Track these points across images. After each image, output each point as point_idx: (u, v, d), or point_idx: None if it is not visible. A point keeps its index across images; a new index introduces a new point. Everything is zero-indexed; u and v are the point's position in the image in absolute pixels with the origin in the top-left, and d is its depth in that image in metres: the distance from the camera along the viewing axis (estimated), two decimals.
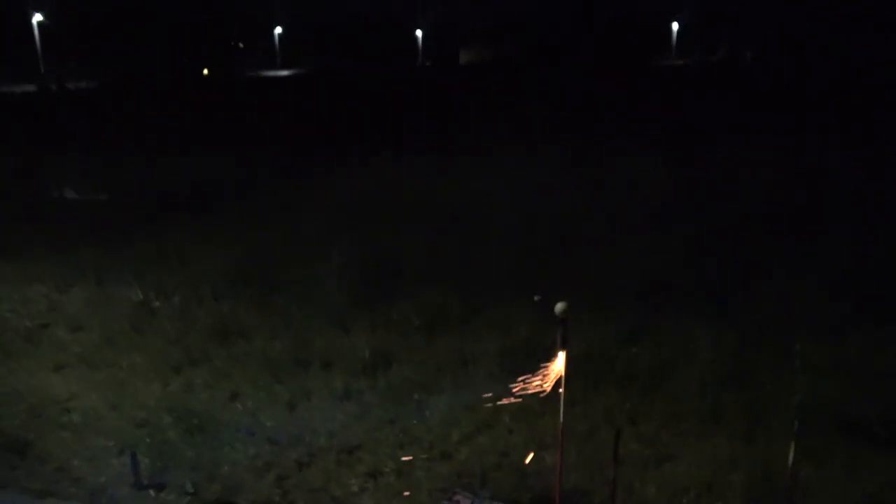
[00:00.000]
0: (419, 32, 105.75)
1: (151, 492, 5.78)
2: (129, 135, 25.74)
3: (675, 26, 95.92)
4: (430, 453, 6.09)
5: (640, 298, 8.99)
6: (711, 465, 5.78)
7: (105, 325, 9.22)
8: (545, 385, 5.00)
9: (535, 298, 8.20)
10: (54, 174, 18.10)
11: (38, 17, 58.22)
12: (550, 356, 5.10)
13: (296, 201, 15.06)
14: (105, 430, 6.67)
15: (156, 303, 9.90)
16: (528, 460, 5.65)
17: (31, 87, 45.33)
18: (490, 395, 6.47)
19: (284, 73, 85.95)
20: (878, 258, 9.86)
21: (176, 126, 29.38)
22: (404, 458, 5.97)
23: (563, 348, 4.92)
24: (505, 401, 5.99)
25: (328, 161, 18.99)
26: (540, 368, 5.09)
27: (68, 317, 9.56)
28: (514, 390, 5.43)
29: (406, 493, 5.57)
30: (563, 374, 4.88)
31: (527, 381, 5.21)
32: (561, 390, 4.85)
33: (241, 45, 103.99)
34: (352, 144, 21.58)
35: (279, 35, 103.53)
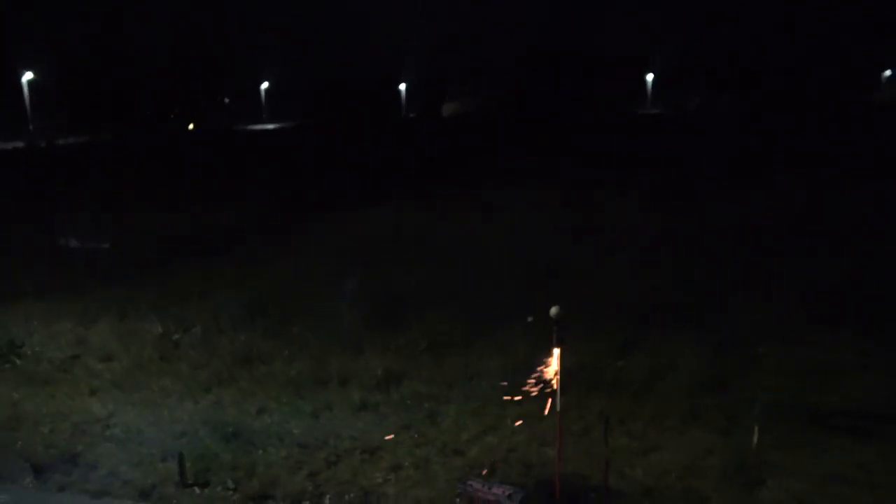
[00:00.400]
0: (402, 86, 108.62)
1: (196, 489, 6.44)
2: (123, 187, 26.83)
3: (649, 77, 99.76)
4: (443, 451, 6.82)
5: (627, 319, 9.85)
6: (691, 453, 6.56)
7: (132, 354, 9.92)
8: (546, 376, 5.82)
9: (529, 319, 9.05)
10: (53, 225, 18.87)
11: (27, 76, 59.71)
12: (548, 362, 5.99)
13: (299, 245, 15.91)
14: (146, 442, 7.33)
15: (176, 335, 10.60)
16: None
17: (19, 144, 46.32)
18: (499, 397, 7.27)
19: (270, 126, 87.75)
20: (831, 277, 10.93)
21: (169, 177, 30.57)
22: (420, 455, 6.70)
23: (558, 345, 5.78)
24: (510, 398, 6.78)
25: (325, 208, 19.94)
26: (539, 367, 5.94)
27: (96, 348, 10.23)
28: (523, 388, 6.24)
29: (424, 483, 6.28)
30: (559, 367, 5.73)
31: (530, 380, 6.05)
32: (556, 382, 5.68)
33: (226, 100, 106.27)
34: (347, 192, 22.65)
35: (265, 90, 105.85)
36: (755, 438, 6.24)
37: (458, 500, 6.00)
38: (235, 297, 12.04)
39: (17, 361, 9.79)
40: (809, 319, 9.08)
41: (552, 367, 5.82)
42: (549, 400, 6.23)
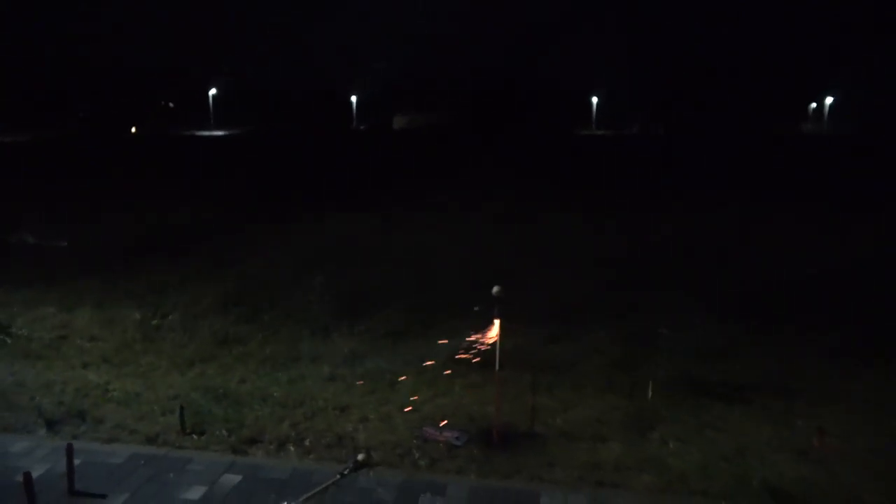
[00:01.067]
0: (353, 98, 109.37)
1: (195, 436, 7.66)
2: (75, 186, 27.31)
3: (594, 100, 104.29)
4: (402, 408, 8.25)
5: (558, 316, 11.49)
6: (600, 410, 8.21)
7: (116, 336, 10.95)
8: (487, 339, 7.36)
9: (475, 309, 10.57)
10: (5, 222, 19.35)
11: None
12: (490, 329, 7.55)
13: (262, 248, 17.00)
14: (144, 402, 8.47)
15: (155, 321, 11.67)
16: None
17: None
18: (447, 371, 8.77)
19: (219, 133, 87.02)
20: (726, 281, 13.04)
21: (120, 179, 31.06)
22: (384, 411, 8.12)
23: (497, 317, 7.35)
24: (460, 356, 8.25)
25: (284, 215, 21.10)
26: (482, 332, 7.48)
27: (81, 330, 11.20)
28: (463, 345, 7.75)
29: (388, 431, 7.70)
30: (498, 333, 7.29)
31: (474, 341, 7.57)
32: (495, 339, 7.24)
33: (171, 104, 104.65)
34: (303, 200, 23.88)
35: (213, 97, 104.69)
36: (650, 395, 7.94)
37: (415, 441, 7.45)
38: (208, 289, 13.19)
39: (8, 340, 10.67)
40: (703, 315, 11.00)
41: (493, 332, 7.37)
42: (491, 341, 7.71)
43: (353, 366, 9.65)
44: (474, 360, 8.36)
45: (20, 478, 6.55)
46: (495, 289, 7.28)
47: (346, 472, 6.88)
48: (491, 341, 7.37)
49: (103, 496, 6.55)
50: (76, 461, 6.84)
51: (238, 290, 13.05)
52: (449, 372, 9.15)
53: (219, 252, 16.40)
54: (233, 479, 6.87)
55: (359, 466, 7.00)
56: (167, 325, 11.40)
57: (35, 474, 6.63)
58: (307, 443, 7.51)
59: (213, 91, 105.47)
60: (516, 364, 9.00)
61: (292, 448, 7.45)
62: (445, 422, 7.84)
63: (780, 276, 13.64)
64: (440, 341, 10.04)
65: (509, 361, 8.33)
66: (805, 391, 8.75)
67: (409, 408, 8.29)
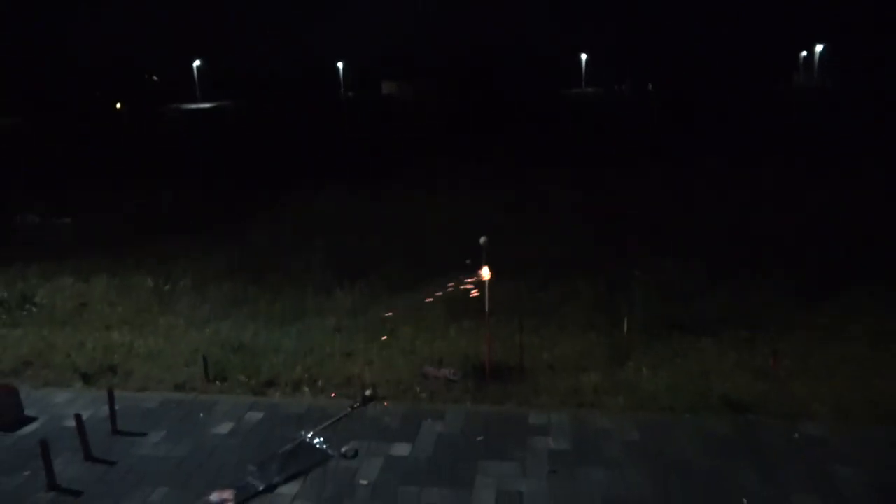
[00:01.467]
0: (340, 65, 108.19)
1: (218, 383, 8.52)
2: (72, 166, 27.80)
3: (584, 57, 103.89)
4: (403, 352, 9.11)
5: (545, 268, 12.29)
6: (583, 347, 9.09)
7: (133, 301, 11.73)
8: (480, 277, 8.16)
9: (467, 262, 11.36)
10: (10, 202, 19.92)
11: None
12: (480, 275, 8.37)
13: (260, 221, 17.62)
14: (168, 356, 9.30)
15: (167, 287, 12.45)
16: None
17: None
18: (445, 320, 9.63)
19: (206, 105, 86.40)
20: (698, 230, 13.92)
21: (114, 156, 31.54)
22: (386, 355, 8.99)
23: (486, 263, 8.16)
24: (449, 287, 9.03)
25: (281, 189, 21.71)
26: (473, 276, 8.30)
27: (99, 297, 11.98)
28: (452, 286, 8.59)
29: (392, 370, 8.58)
30: (487, 277, 8.10)
31: (466, 281, 8.39)
32: (485, 279, 8.07)
33: (155, 78, 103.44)
34: (299, 173, 24.49)
35: (198, 68, 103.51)
36: (626, 331, 8.82)
37: (416, 378, 8.33)
38: (215, 258, 13.95)
39: (34, 309, 11.45)
40: (676, 261, 11.92)
41: (483, 276, 8.18)
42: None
43: (356, 318, 10.49)
44: (472, 294, 9.03)
45: (68, 423, 7.42)
46: (482, 239, 8.08)
47: (356, 406, 7.76)
48: (482, 279, 8.15)
49: (143, 434, 7.41)
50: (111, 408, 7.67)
51: (243, 258, 13.80)
52: (446, 321, 10.00)
53: (220, 225, 17.09)
54: (256, 415, 7.74)
55: (367, 401, 7.88)
56: (180, 290, 12.17)
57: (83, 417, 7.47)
58: (319, 384, 8.38)
59: (197, 63, 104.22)
60: (505, 310, 9.83)
61: (306, 389, 8.32)
62: (441, 361, 8.72)
63: (748, 224, 14.57)
64: (436, 293, 10.87)
65: (498, 308, 9.18)
66: (767, 324, 9.65)
67: (410, 350, 9.15)
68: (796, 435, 6.95)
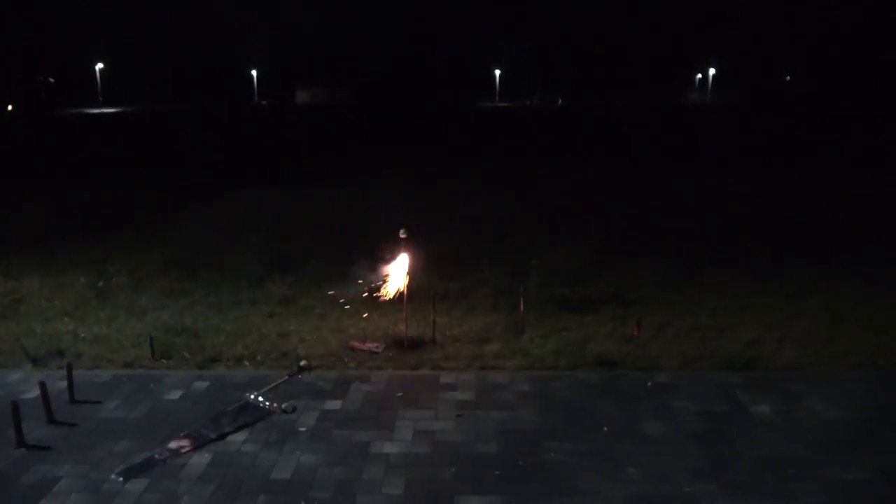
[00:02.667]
0: (254, 73, 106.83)
1: (164, 360, 9.50)
2: None
3: (497, 73, 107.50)
4: (332, 331, 10.41)
5: (456, 264, 13.85)
6: (486, 324, 10.69)
7: (69, 297, 12.32)
8: (398, 259, 9.59)
9: (387, 256, 12.74)
10: None
11: None
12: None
13: (185, 222, 18.34)
14: (113, 340, 10.15)
15: (100, 283, 13.11)
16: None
17: None
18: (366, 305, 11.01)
19: (109, 110, 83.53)
20: (584, 222, 16.00)
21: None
22: (317, 334, 10.26)
23: (404, 250, 9.62)
24: (374, 287, 10.44)
25: (197, 192, 22.34)
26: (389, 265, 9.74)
27: (34, 293, 12.48)
28: (376, 283, 10.00)
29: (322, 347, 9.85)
30: (407, 265, 9.56)
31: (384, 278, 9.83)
32: (407, 276, 9.53)
33: (51, 79, 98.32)
34: (215, 177, 25.11)
35: (100, 71, 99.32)
36: (521, 309, 10.53)
37: (345, 351, 9.66)
38: (147, 256, 14.66)
39: None
40: (568, 251, 13.89)
41: (402, 267, 9.64)
42: (399, 289, 10.01)
43: (288, 305, 11.67)
44: (385, 277, 10.36)
45: (24, 396, 8.24)
46: (402, 231, 9.54)
47: (292, 374, 8.99)
48: (400, 263, 9.61)
49: (100, 402, 8.34)
50: (63, 384, 8.54)
51: (175, 256, 14.58)
52: (370, 308, 11.37)
53: (146, 228, 17.67)
54: (203, 384, 8.82)
55: (302, 370, 9.13)
56: (115, 285, 12.88)
57: (36, 394, 8.29)
58: (258, 358, 9.54)
59: (99, 66, 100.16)
60: (421, 297, 11.31)
61: (247, 363, 9.47)
62: (366, 337, 10.09)
63: (631, 220, 16.89)
64: (358, 282, 12.19)
65: (414, 296, 10.64)
66: (640, 301, 11.65)
67: (338, 330, 10.46)
68: (649, 383, 8.78)
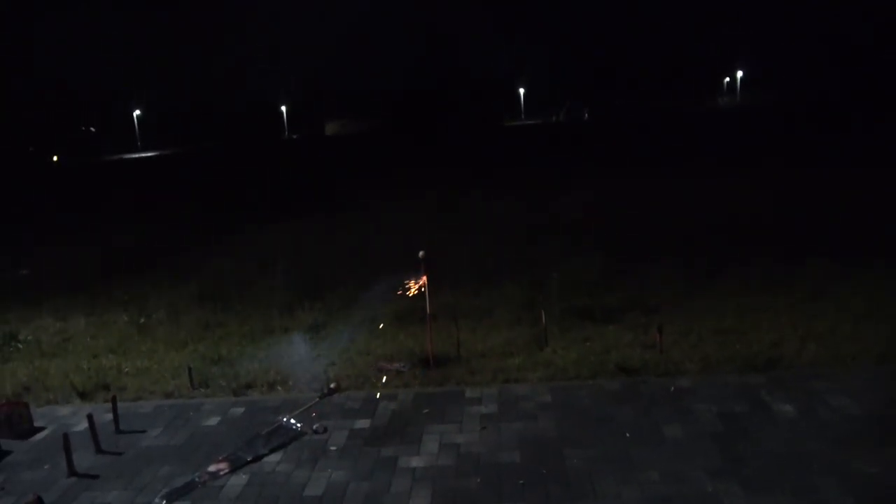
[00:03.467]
0: (283, 108, 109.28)
1: (202, 389, 9.98)
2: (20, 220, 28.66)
3: (521, 91, 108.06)
4: (360, 353, 10.77)
5: (478, 279, 14.18)
6: (510, 338, 10.92)
7: (112, 334, 13.00)
8: (417, 287, 9.93)
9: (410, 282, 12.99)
10: None
11: None
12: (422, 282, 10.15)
13: (219, 257, 19.04)
14: (154, 372, 10.69)
15: (142, 320, 13.76)
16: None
17: None
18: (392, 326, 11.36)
19: (148, 154, 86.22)
20: (604, 231, 16.12)
21: (63, 209, 32.31)
22: (346, 356, 10.63)
23: (425, 274, 9.96)
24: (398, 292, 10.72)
25: (231, 227, 23.16)
26: (412, 282, 10.06)
27: (80, 332, 13.20)
28: (399, 292, 10.33)
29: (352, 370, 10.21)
30: (426, 283, 9.89)
31: (407, 287, 10.15)
32: (423, 284, 9.86)
33: (92, 129, 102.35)
34: (250, 212, 25.97)
35: (138, 118, 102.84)
36: (543, 322, 10.73)
37: (372, 372, 10.00)
38: (183, 292, 15.32)
39: (20, 346, 12.61)
40: (588, 260, 14.04)
41: (422, 284, 9.97)
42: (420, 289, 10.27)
43: (318, 332, 12.09)
44: (409, 293, 10.61)
45: (74, 429, 8.77)
46: (421, 253, 9.91)
47: (323, 395, 9.36)
48: (420, 285, 9.95)
49: (143, 431, 8.82)
50: (110, 416, 9.05)
51: (209, 290, 15.19)
52: (394, 325, 11.73)
53: (182, 264, 18.42)
54: (238, 410, 9.25)
55: (332, 391, 9.48)
56: (155, 321, 13.51)
57: (84, 426, 8.80)
58: (290, 383, 9.94)
59: (137, 112, 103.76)
60: (445, 314, 11.62)
61: (280, 388, 9.87)
62: (392, 357, 10.42)
63: (650, 228, 17.06)
64: (385, 305, 12.56)
65: (439, 313, 10.96)
66: (661, 308, 11.75)
67: (365, 352, 10.82)
68: (672, 388, 8.88)
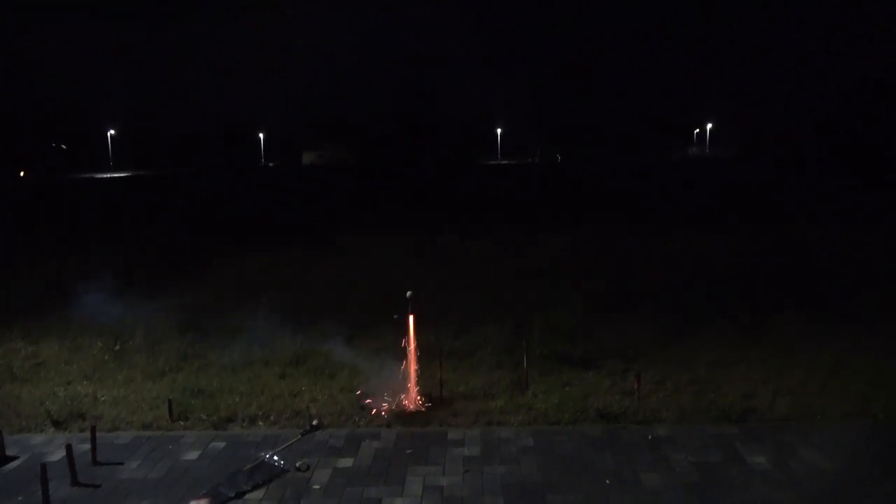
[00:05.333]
0: (261, 136, 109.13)
1: (181, 422, 9.87)
2: None
3: (499, 132, 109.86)
4: (342, 390, 10.79)
5: (458, 320, 14.32)
6: (492, 380, 11.07)
7: (87, 360, 12.77)
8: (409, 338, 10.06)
9: (395, 317, 13.14)
10: None
11: None
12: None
13: (196, 283, 18.88)
14: (132, 402, 10.54)
15: (118, 346, 13.55)
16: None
17: None
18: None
19: (121, 175, 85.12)
20: (584, 279, 16.46)
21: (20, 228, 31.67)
22: (327, 393, 10.64)
23: (412, 313, 10.10)
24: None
25: (206, 253, 23.01)
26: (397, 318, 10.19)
27: (53, 357, 12.94)
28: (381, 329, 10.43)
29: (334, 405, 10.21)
30: (412, 325, 10.03)
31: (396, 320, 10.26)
32: (412, 334, 9.99)
33: (63, 146, 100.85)
34: (223, 240, 25.86)
35: (111, 137, 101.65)
36: (525, 366, 10.92)
37: (356, 410, 10.02)
38: (161, 320, 15.11)
39: None
40: (568, 307, 14.36)
41: (409, 325, 10.11)
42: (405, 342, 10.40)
43: (298, 365, 12.08)
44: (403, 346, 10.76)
45: (48, 458, 8.60)
46: (409, 293, 10.07)
47: (306, 432, 9.34)
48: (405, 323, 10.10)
49: (121, 463, 8.68)
50: (86, 446, 8.90)
51: (187, 318, 15.04)
52: (376, 363, 11.78)
53: (158, 290, 18.18)
54: (219, 444, 9.17)
55: (315, 428, 9.48)
56: (132, 348, 13.32)
57: (59, 456, 8.64)
58: (272, 418, 9.91)
59: (111, 132, 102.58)
60: (428, 353, 11.70)
61: (261, 423, 9.83)
62: (374, 394, 10.47)
63: (629, 276, 17.42)
64: (366, 343, 12.63)
65: (422, 353, 11.06)
66: (638, 356, 12.04)
67: (348, 389, 10.84)
68: (649, 436, 9.11)
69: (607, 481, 7.95)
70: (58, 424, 9.89)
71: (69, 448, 8.29)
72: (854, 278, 17.19)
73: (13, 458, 8.91)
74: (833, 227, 25.40)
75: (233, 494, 7.83)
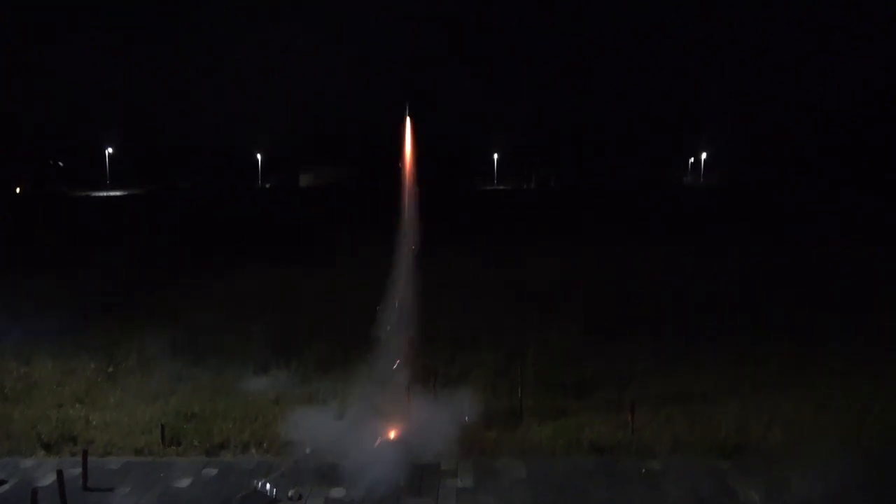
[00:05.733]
0: (258, 157, 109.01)
1: (174, 447, 9.81)
2: None
3: (495, 157, 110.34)
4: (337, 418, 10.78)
5: (450, 344, 14.29)
6: (485, 408, 11.03)
7: (80, 381, 12.67)
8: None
9: (394, 367, 12.81)
10: None
11: None
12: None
13: (194, 300, 18.81)
14: (125, 425, 10.47)
15: (111, 368, 13.47)
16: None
17: None
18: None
19: (117, 193, 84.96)
20: (578, 304, 16.52)
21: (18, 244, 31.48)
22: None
23: (410, 349, 10.15)
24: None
25: (205, 270, 22.98)
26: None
27: (46, 377, 12.82)
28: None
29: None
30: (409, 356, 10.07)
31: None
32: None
33: (60, 163, 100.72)
34: (222, 256, 25.84)
35: (109, 155, 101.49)
36: (520, 396, 10.92)
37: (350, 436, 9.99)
38: (155, 340, 15.02)
39: None
40: (562, 333, 14.41)
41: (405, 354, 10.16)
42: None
43: (293, 389, 12.04)
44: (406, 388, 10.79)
45: (38, 483, 8.54)
46: (408, 336, 10.17)
47: (299, 460, 9.30)
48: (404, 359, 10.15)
49: (111, 489, 8.62)
50: (76, 471, 8.85)
51: (181, 340, 14.95)
52: (370, 389, 11.75)
53: (155, 306, 18.13)
54: (212, 471, 9.13)
55: (308, 457, 9.43)
56: (124, 369, 13.24)
57: (49, 480, 8.59)
58: (265, 445, 9.86)
59: (109, 150, 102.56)
60: (425, 376, 11.71)
61: (254, 450, 9.79)
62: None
63: (621, 300, 17.52)
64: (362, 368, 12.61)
65: (420, 374, 11.08)
66: (631, 384, 12.04)
67: (342, 417, 10.81)
68: (643, 469, 9.11)
69: None
70: (49, 448, 9.83)
71: (60, 473, 8.24)
72: (849, 304, 17.24)
73: (3, 483, 8.85)
74: (832, 248, 25.49)
75: None
